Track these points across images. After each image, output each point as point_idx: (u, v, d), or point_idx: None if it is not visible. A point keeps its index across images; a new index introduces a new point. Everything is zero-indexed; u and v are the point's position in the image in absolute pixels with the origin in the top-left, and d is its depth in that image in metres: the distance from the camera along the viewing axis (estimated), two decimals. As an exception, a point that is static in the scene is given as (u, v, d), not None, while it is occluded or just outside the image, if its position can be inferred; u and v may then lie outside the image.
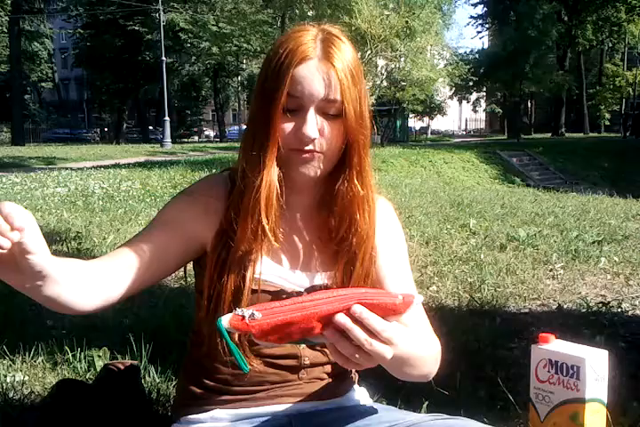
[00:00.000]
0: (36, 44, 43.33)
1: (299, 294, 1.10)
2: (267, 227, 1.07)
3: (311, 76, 1.02)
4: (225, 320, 0.81)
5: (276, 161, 1.05)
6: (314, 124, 1.03)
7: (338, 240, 1.12)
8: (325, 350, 1.16)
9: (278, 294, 1.10)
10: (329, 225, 1.13)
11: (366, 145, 1.09)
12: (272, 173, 1.05)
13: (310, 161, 1.06)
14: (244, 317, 0.81)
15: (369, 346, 0.85)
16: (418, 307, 1.12)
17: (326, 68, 1.02)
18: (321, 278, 1.15)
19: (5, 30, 35.32)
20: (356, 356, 0.85)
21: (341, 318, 0.84)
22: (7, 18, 33.97)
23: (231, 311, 0.85)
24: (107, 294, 1.03)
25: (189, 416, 1.16)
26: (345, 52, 1.05)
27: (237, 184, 1.09)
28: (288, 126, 1.04)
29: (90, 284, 0.99)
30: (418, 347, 1.00)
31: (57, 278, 0.90)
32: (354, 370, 1.27)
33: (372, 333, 0.85)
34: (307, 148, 1.04)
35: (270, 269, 1.11)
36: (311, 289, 1.12)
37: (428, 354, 1.07)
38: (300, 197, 1.14)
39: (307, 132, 1.02)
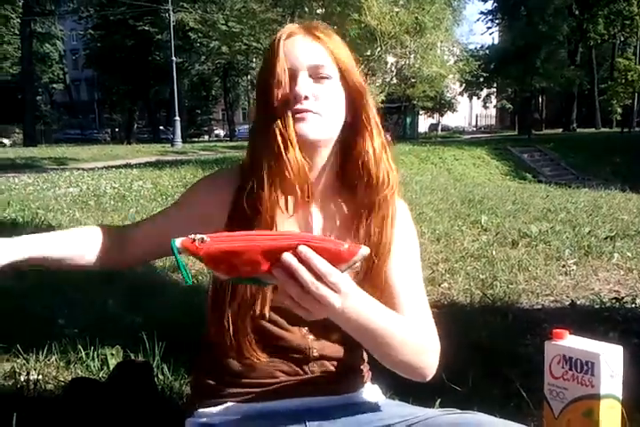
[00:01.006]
0: (47, 45, 43.54)
1: None
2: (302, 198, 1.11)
3: (296, 47, 1.10)
4: (178, 241, 0.86)
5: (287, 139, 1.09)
6: (303, 84, 1.08)
7: (359, 199, 1.14)
8: (336, 342, 1.17)
9: None
10: (353, 190, 1.15)
11: (368, 105, 1.14)
12: (295, 147, 1.07)
13: (306, 120, 1.09)
14: (194, 240, 0.86)
15: (315, 289, 0.84)
16: (412, 290, 1.15)
17: (310, 37, 1.11)
18: None
19: (17, 32, 35.54)
20: (303, 299, 0.86)
21: (288, 257, 0.84)
22: (19, 20, 34.19)
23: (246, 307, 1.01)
24: (121, 256, 1.20)
25: (202, 410, 1.17)
26: (327, 29, 1.15)
27: (252, 174, 1.10)
28: (283, 95, 1.09)
29: (101, 247, 1.18)
30: (385, 318, 0.99)
31: (55, 255, 1.12)
32: (366, 367, 1.27)
33: (318, 276, 0.85)
34: (299, 106, 1.08)
35: None
36: None
37: (410, 337, 1.04)
38: (316, 176, 1.15)
39: (296, 90, 1.08)
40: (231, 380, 1.15)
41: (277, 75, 1.08)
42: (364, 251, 0.88)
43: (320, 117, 1.09)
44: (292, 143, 1.06)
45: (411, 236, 1.22)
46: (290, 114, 1.07)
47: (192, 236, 0.87)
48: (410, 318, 1.11)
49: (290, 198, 1.11)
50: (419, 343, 1.07)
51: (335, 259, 0.87)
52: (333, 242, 0.89)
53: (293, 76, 1.09)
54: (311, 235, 0.91)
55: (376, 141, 1.14)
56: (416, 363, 1.07)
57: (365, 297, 0.96)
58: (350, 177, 1.14)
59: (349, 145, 1.14)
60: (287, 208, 1.10)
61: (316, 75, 1.10)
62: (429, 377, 1.11)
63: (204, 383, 1.18)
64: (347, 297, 0.88)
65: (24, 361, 2.27)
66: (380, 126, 1.16)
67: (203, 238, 0.86)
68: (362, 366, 1.25)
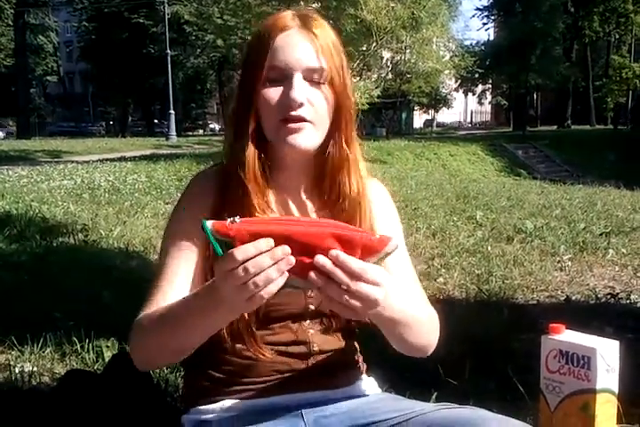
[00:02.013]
0: (40, 37, 43.34)
1: None
2: (257, 207, 1.07)
3: (292, 44, 1.03)
4: (209, 222, 0.83)
5: (254, 138, 1.07)
6: (300, 89, 1.03)
7: (330, 204, 1.12)
8: (335, 336, 1.17)
9: None
10: (321, 190, 1.12)
11: (352, 112, 1.10)
12: (250, 148, 1.06)
13: (300, 131, 1.04)
14: (226, 219, 0.83)
15: (355, 287, 0.82)
16: (407, 272, 1.16)
17: (307, 35, 1.04)
18: None
19: (10, 23, 35.33)
20: (347, 299, 0.83)
21: (321, 259, 0.82)
22: (12, 11, 33.99)
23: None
24: None
25: (199, 407, 1.15)
26: (322, 23, 1.08)
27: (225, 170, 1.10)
28: (274, 96, 1.04)
29: None
30: (408, 302, 1.01)
31: None
32: (361, 359, 1.26)
33: (355, 276, 0.82)
34: (294, 113, 1.03)
35: None
36: None
37: (423, 316, 1.07)
38: (292, 177, 1.13)
39: (293, 95, 1.02)
40: (228, 378, 1.13)
41: (269, 73, 1.03)
42: (395, 241, 0.86)
43: (313, 126, 1.05)
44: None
45: (392, 217, 1.22)
46: (281, 120, 1.04)
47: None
48: (412, 291, 1.14)
49: (275, 202, 1.12)
50: (430, 323, 1.11)
51: (367, 250, 0.85)
52: (364, 232, 0.87)
53: (287, 77, 1.03)
54: (342, 224, 0.87)
55: (343, 149, 1.10)
56: (427, 342, 1.12)
57: (398, 286, 0.97)
58: (324, 180, 1.12)
59: (325, 148, 1.10)
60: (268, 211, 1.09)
61: (312, 78, 1.04)
62: (430, 353, 1.15)
63: (200, 382, 1.16)
64: (386, 288, 0.86)
65: (19, 353, 2.27)
66: (353, 136, 1.12)
67: (234, 220, 0.83)
68: (357, 359, 1.25)
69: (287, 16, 1.07)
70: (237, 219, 0.83)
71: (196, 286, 1.07)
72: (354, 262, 0.82)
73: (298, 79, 1.03)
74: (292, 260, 0.81)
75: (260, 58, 1.04)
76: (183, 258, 1.09)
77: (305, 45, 1.04)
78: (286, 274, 0.82)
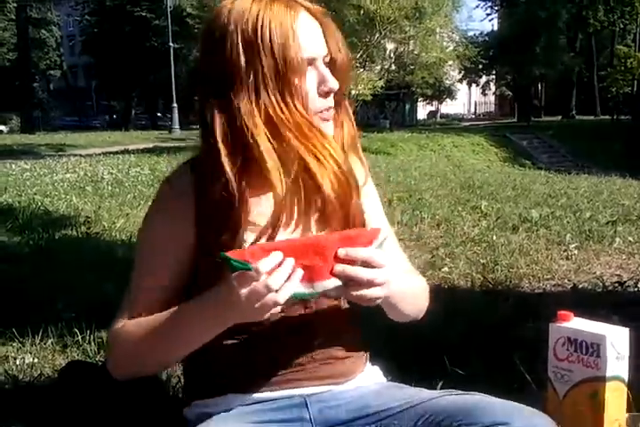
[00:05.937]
0: (43, 31, 43.30)
1: None
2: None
3: (310, 30, 1.02)
4: (228, 253, 0.92)
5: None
6: (331, 75, 1.03)
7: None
8: (336, 326, 1.15)
9: None
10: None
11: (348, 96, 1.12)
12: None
13: (330, 120, 1.06)
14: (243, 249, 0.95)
15: (373, 275, 0.93)
16: (391, 246, 1.16)
17: (315, 20, 1.04)
18: None
19: (13, 17, 35.34)
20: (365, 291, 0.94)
21: (339, 267, 0.92)
22: (14, 5, 34.00)
23: None
24: None
25: (201, 400, 1.13)
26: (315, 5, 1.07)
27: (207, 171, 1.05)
28: (310, 86, 1.02)
29: None
30: (405, 280, 1.08)
31: None
32: (364, 348, 1.24)
33: (367, 264, 0.93)
34: (328, 104, 1.04)
35: None
36: None
37: (417, 285, 1.16)
38: None
39: (331, 85, 1.02)
40: (230, 371, 1.11)
41: (298, 63, 0.98)
42: (384, 231, 1.00)
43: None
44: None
45: (372, 193, 1.20)
46: (316, 109, 1.02)
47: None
48: (407, 270, 1.18)
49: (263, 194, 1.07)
50: (423, 292, 1.18)
51: (363, 244, 0.96)
52: (356, 229, 1.03)
53: (310, 62, 1.01)
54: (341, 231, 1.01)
55: (352, 124, 1.12)
56: (421, 309, 1.18)
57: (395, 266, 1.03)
58: None
59: None
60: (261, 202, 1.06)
61: (325, 62, 1.04)
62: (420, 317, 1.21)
63: (202, 375, 1.15)
64: (391, 267, 0.96)
65: (20, 345, 2.26)
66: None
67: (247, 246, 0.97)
68: (360, 348, 1.22)
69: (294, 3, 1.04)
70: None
71: (174, 288, 1.08)
72: (361, 252, 0.93)
73: (322, 66, 1.03)
74: (301, 272, 0.91)
75: (289, 42, 0.98)
76: (162, 263, 1.11)
77: (318, 31, 1.03)
78: (296, 280, 0.91)
